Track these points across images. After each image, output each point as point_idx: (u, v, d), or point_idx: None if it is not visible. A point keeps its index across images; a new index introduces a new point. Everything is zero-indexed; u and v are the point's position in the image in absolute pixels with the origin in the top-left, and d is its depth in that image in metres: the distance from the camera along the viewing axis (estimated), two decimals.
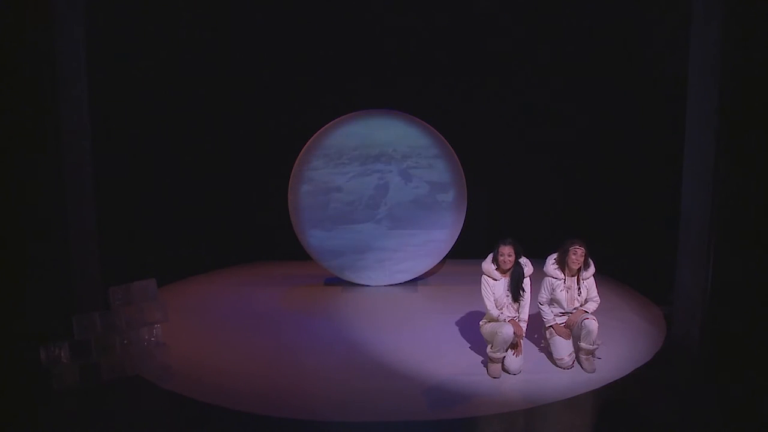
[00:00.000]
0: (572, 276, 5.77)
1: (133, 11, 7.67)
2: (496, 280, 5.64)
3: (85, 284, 6.35)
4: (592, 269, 5.83)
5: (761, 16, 5.69)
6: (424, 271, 8.50)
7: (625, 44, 8.18)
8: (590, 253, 5.82)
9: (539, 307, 5.87)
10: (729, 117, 5.87)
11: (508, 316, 5.59)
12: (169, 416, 5.12)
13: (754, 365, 5.49)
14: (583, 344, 5.65)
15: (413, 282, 8.50)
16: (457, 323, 6.91)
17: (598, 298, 5.83)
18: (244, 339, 6.62)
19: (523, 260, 5.65)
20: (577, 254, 5.68)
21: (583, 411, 5.12)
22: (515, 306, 5.66)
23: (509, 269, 5.61)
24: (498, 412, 5.02)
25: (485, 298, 5.67)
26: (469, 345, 6.28)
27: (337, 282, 8.50)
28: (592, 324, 5.61)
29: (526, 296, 5.66)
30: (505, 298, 5.64)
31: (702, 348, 6.04)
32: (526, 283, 5.65)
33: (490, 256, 5.69)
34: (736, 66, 5.82)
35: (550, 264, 5.83)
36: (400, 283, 8.44)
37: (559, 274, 5.77)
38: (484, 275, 5.68)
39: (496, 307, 5.64)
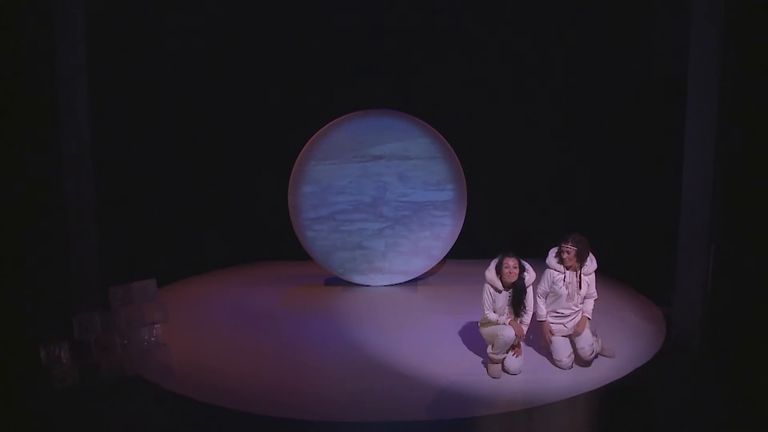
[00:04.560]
0: (573, 271, 5.73)
1: (133, 11, 7.67)
2: (498, 291, 5.58)
3: (85, 284, 6.35)
4: (593, 265, 5.77)
5: (761, 15, 5.69)
6: (424, 271, 8.50)
7: (625, 44, 8.17)
8: (591, 251, 5.79)
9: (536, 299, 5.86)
10: (729, 117, 5.88)
11: (508, 318, 5.58)
12: (169, 416, 5.12)
13: (754, 365, 5.48)
14: (581, 354, 5.69)
15: (413, 282, 8.50)
16: (457, 323, 6.90)
17: (595, 293, 5.81)
18: (244, 339, 6.62)
19: (525, 266, 5.59)
20: (570, 253, 5.64)
21: (583, 411, 5.13)
22: (518, 319, 5.63)
23: (513, 282, 5.54)
24: (498, 412, 5.02)
25: (485, 307, 5.61)
26: (469, 345, 6.27)
27: (337, 282, 8.50)
28: (584, 346, 5.68)
29: (529, 303, 5.61)
30: (506, 308, 5.60)
31: (702, 348, 6.04)
32: (529, 295, 5.59)
33: (494, 265, 5.59)
34: (736, 66, 5.82)
35: (552, 257, 5.78)
36: (400, 283, 8.44)
37: (561, 268, 5.72)
38: (487, 284, 5.60)
39: (495, 312, 5.63)
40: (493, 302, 5.59)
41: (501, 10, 8.86)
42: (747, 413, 4.86)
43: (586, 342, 5.72)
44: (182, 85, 8.51)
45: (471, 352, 6.12)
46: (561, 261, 5.72)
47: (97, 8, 6.53)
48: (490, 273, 5.58)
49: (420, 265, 8.41)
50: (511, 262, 5.48)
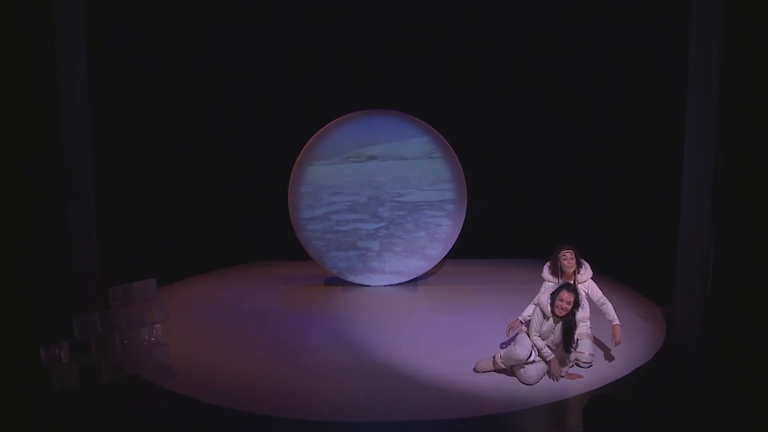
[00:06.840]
0: (568, 279, 5.73)
1: (134, 11, 7.67)
2: (546, 318, 5.40)
3: (85, 284, 6.34)
4: (588, 272, 5.80)
5: (761, 17, 5.69)
6: (422, 272, 8.49)
7: (625, 44, 8.17)
8: (586, 254, 5.79)
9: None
10: (729, 117, 5.88)
11: (551, 354, 5.37)
12: (169, 416, 5.12)
13: (754, 365, 5.49)
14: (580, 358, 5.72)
15: (413, 282, 8.49)
16: (457, 323, 6.90)
17: (605, 298, 5.79)
18: (244, 339, 6.62)
19: (582, 303, 5.43)
20: (567, 258, 5.69)
21: (582, 411, 5.11)
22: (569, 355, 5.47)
23: (561, 316, 5.32)
24: (498, 412, 5.02)
25: (533, 330, 5.39)
26: (469, 345, 6.26)
27: (337, 282, 8.50)
28: (583, 351, 5.68)
29: (583, 345, 5.55)
30: (550, 334, 5.42)
31: (702, 348, 6.04)
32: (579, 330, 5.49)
33: (550, 291, 5.38)
34: (736, 66, 5.82)
35: (546, 270, 5.84)
36: (400, 283, 8.44)
37: (555, 279, 5.73)
38: (539, 308, 5.41)
39: (541, 338, 5.42)
40: (540, 327, 5.41)
41: (501, 10, 8.86)
42: (747, 413, 4.86)
43: (586, 348, 5.73)
44: (182, 84, 8.51)
45: (471, 352, 6.10)
46: (557, 270, 5.74)
47: (98, 8, 6.54)
48: (544, 297, 5.39)
49: (416, 265, 8.40)
50: (566, 297, 5.23)
